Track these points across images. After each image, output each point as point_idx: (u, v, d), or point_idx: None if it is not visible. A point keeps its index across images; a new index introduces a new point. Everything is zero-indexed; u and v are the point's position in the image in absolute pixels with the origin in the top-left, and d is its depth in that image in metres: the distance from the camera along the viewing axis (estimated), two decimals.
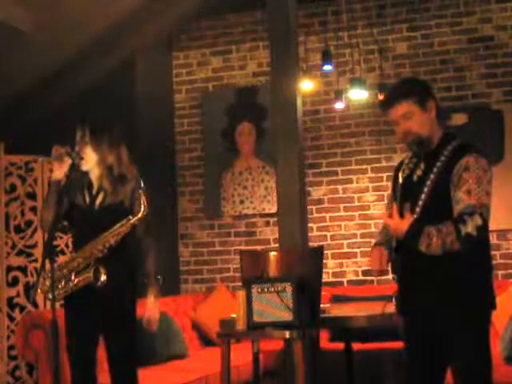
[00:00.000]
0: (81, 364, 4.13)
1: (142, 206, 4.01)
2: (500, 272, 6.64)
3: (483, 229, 3.18)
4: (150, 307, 4.21)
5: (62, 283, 4.06)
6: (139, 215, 4.01)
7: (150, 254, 4.19)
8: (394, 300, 3.44)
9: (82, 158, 4.07)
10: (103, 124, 4.22)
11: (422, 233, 3.16)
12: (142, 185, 4.09)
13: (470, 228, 3.14)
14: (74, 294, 4.06)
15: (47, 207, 4.08)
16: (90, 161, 4.13)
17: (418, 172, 3.37)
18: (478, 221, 3.15)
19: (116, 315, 4.05)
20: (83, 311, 4.07)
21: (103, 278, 3.97)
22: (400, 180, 3.37)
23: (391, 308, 3.53)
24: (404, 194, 3.34)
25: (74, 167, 4.03)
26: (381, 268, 3.43)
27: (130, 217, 4.03)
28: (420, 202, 3.28)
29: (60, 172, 4.05)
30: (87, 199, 4.14)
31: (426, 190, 3.29)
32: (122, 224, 4.01)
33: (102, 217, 4.06)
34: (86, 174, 4.16)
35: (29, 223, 6.07)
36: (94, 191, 4.14)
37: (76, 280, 4.04)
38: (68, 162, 4.03)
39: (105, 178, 4.13)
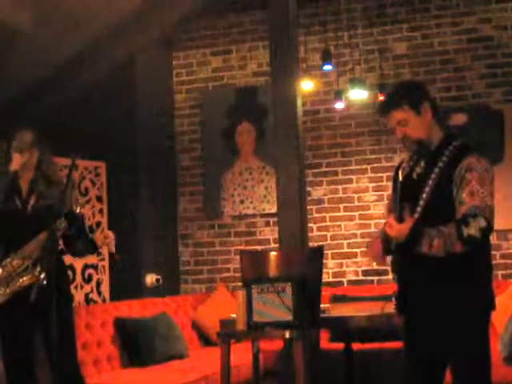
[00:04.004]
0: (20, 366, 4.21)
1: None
2: (500, 272, 6.64)
3: (487, 230, 3.18)
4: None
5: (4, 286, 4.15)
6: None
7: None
8: (393, 300, 3.44)
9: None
10: (43, 132, 4.38)
11: (423, 235, 3.18)
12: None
13: (472, 230, 3.14)
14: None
15: None
16: (31, 164, 4.28)
17: (418, 169, 3.38)
18: (482, 223, 3.16)
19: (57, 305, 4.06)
20: (21, 313, 4.13)
21: (42, 276, 4.01)
22: (400, 178, 3.37)
23: (391, 308, 3.53)
24: (404, 193, 3.34)
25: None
26: (381, 260, 3.44)
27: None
28: (421, 202, 3.28)
29: (18, 164, 4.21)
30: (18, 202, 4.24)
31: (427, 189, 3.30)
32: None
33: (35, 219, 4.18)
34: (14, 177, 4.29)
35: None
36: (24, 194, 4.27)
37: (21, 280, 4.12)
38: (26, 156, 4.18)
39: (39, 181, 4.27)
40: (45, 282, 3.96)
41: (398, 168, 3.53)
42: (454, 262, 3.22)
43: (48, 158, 4.34)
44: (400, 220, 3.24)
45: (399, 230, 3.21)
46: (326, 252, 6.69)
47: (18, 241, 4.17)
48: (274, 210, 6.89)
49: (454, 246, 3.16)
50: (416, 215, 3.25)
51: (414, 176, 3.38)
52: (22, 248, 4.14)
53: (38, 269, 4.00)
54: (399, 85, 3.71)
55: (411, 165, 3.41)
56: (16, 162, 4.21)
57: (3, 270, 4.14)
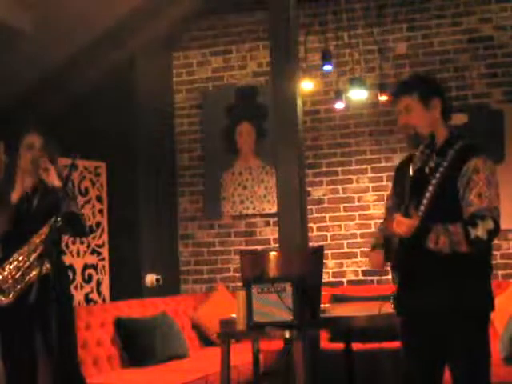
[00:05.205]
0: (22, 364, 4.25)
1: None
2: (500, 272, 6.64)
3: (494, 232, 3.18)
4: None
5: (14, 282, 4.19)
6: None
7: None
8: (391, 300, 3.44)
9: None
10: (51, 136, 4.47)
11: (431, 231, 3.18)
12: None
13: (480, 232, 3.14)
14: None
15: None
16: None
17: (431, 164, 3.37)
18: (490, 224, 3.16)
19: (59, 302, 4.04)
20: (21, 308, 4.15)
21: (47, 266, 4.03)
22: (411, 173, 3.36)
23: (388, 308, 3.53)
24: (413, 187, 3.32)
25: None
26: (382, 268, 3.47)
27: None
28: (425, 201, 3.28)
29: (19, 194, 4.38)
30: (24, 201, 4.35)
31: (431, 188, 3.29)
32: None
33: (39, 217, 4.26)
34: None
35: None
36: (30, 193, 4.36)
37: (31, 274, 4.17)
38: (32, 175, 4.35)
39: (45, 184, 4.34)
40: (50, 273, 3.99)
41: (398, 167, 3.53)
42: (456, 262, 3.22)
43: (56, 160, 4.38)
44: (406, 216, 3.24)
45: (409, 225, 3.20)
46: (326, 252, 6.69)
47: (24, 238, 4.23)
48: (274, 210, 6.90)
49: (460, 246, 3.16)
50: (420, 213, 3.25)
51: (427, 170, 3.37)
52: (26, 244, 4.18)
53: (44, 263, 4.02)
54: (415, 75, 3.72)
55: (424, 159, 3.38)
56: (18, 190, 4.32)
57: (13, 267, 4.17)
